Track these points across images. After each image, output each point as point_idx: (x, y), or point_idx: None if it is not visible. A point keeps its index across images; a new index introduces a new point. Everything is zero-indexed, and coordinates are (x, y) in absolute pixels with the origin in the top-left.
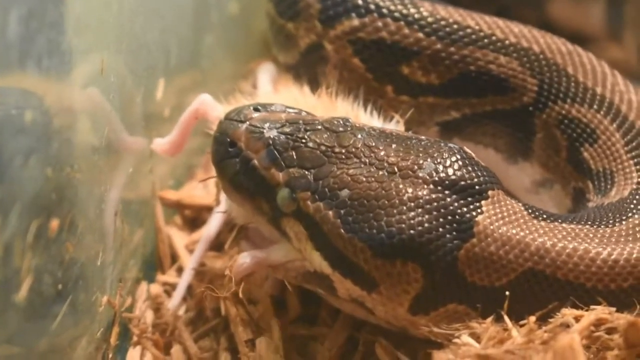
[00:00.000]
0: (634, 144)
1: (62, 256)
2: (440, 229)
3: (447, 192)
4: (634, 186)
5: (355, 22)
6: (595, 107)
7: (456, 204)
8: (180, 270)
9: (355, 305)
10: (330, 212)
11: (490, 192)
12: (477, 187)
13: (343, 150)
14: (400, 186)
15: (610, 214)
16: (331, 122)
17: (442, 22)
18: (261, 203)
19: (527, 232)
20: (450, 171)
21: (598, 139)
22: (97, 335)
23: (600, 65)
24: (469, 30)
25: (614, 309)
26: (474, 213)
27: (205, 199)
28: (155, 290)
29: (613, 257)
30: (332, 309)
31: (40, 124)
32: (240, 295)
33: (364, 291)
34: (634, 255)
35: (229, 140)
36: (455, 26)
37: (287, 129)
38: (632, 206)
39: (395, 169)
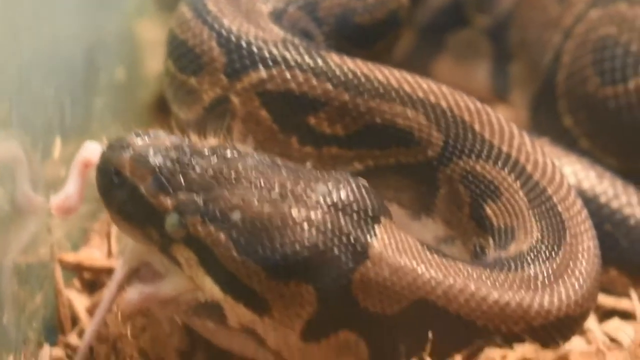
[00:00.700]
0: (536, 201)
1: None
2: (336, 251)
3: (340, 214)
4: (533, 242)
5: (263, 73)
6: (499, 164)
7: (350, 227)
8: (81, 334)
9: (245, 339)
10: (222, 235)
11: (383, 219)
12: (370, 212)
13: (233, 174)
14: (294, 208)
15: (505, 263)
16: (218, 147)
17: (350, 74)
18: (150, 231)
19: (421, 261)
20: (343, 195)
21: (501, 195)
22: None
23: (508, 125)
24: (376, 83)
25: (538, 346)
26: (368, 237)
27: (105, 262)
28: (57, 353)
29: (505, 300)
30: None
31: None
32: (128, 333)
33: (255, 315)
34: (526, 302)
35: (113, 169)
36: (363, 79)
37: (172, 154)
38: (529, 259)
39: (288, 193)
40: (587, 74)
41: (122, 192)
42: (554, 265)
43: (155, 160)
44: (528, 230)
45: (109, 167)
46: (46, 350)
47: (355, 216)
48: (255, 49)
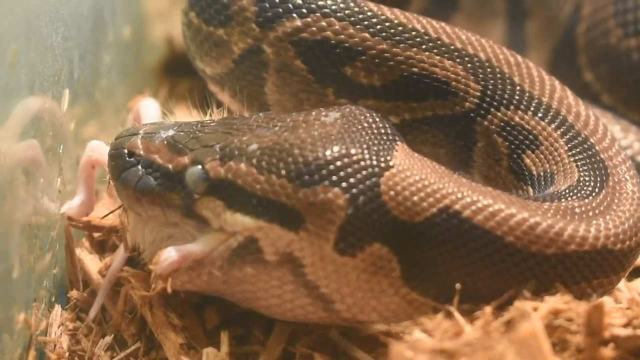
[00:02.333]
0: (577, 149)
1: None
2: (356, 156)
3: (357, 131)
4: (573, 183)
5: (298, 22)
6: (539, 114)
7: (368, 141)
8: (93, 294)
9: (282, 280)
10: (242, 165)
11: (399, 143)
12: (389, 134)
13: (244, 127)
14: (309, 129)
15: (540, 197)
16: (225, 118)
17: (387, 23)
18: (172, 197)
19: (445, 173)
20: (357, 118)
21: (540, 144)
22: (14, 356)
23: (549, 78)
24: (414, 33)
25: (570, 297)
26: (389, 150)
27: (114, 222)
28: (69, 315)
29: (535, 220)
30: (264, 325)
31: None
32: (169, 289)
33: (290, 232)
34: (559, 225)
35: (126, 151)
36: (400, 28)
37: (181, 127)
38: (565, 194)
39: (301, 123)
40: (609, 26)
41: (137, 170)
42: (594, 203)
43: (167, 133)
44: (568, 174)
45: (122, 151)
46: (57, 311)
47: (372, 134)
48: None
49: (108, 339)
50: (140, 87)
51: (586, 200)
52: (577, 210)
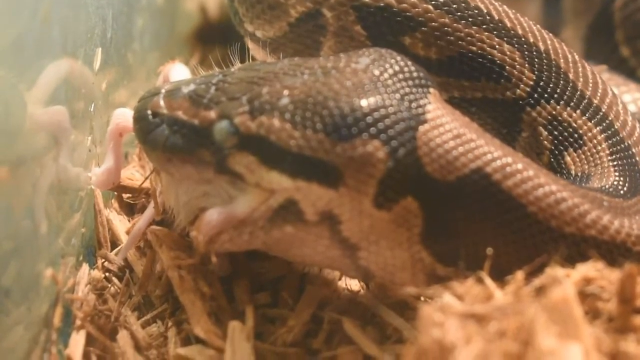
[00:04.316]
0: (618, 154)
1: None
2: (393, 107)
3: (390, 79)
4: (607, 184)
5: None
6: (588, 114)
7: (402, 90)
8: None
9: (321, 237)
10: (275, 121)
11: (432, 89)
12: (422, 79)
13: (270, 75)
14: (341, 78)
15: (574, 181)
16: (246, 64)
17: None
18: (202, 154)
19: (478, 132)
20: (388, 64)
21: (584, 144)
22: (41, 312)
23: (603, 83)
24: (477, 11)
25: (602, 264)
26: (424, 100)
27: (144, 183)
28: (96, 274)
29: (562, 196)
30: (294, 290)
31: None
32: (213, 258)
33: (330, 189)
34: (584, 207)
35: (149, 112)
36: (463, 4)
37: (203, 79)
38: (597, 188)
39: (331, 70)
40: None
41: (163, 129)
42: (624, 204)
43: (188, 88)
44: (604, 176)
45: (145, 113)
46: (85, 269)
47: (405, 81)
48: None
49: (135, 299)
50: (173, 53)
51: (616, 199)
52: (604, 203)
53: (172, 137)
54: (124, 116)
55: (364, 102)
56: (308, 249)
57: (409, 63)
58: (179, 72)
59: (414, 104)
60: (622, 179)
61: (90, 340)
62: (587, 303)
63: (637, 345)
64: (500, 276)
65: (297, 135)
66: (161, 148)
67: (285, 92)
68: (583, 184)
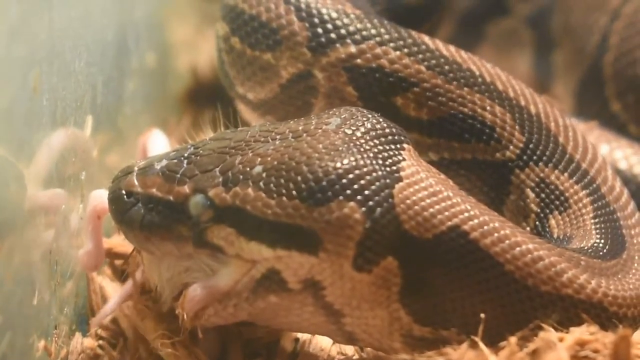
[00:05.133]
0: (602, 218)
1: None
2: (367, 167)
3: (362, 138)
4: (587, 245)
5: (352, 48)
6: (575, 178)
7: (376, 149)
8: (115, 322)
9: (305, 306)
10: (249, 190)
11: (406, 145)
12: (395, 136)
13: (242, 144)
14: (313, 141)
15: (551, 240)
16: (217, 134)
17: (443, 59)
18: (179, 229)
19: (454, 190)
20: (360, 122)
21: (569, 207)
22: None
23: (593, 147)
24: (469, 73)
25: (596, 328)
26: (398, 157)
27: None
28: (89, 342)
29: (539, 254)
30: (286, 354)
31: None
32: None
33: (310, 256)
34: (561, 266)
35: (123, 192)
36: (455, 66)
37: (175, 154)
38: (575, 249)
39: (302, 133)
40: (637, 55)
41: (139, 208)
42: (602, 265)
43: (160, 164)
44: (585, 239)
45: (119, 193)
46: (78, 339)
47: (378, 139)
48: (343, 22)
49: None
50: (164, 115)
51: (595, 260)
52: (582, 262)
53: (148, 215)
54: (101, 198)
55: (337, 164)
56: (293, 317)
57: (381, 120)
58: (157, 140)
59: (388, 162)
60: (603, 241)
61: None
62: None
63: None
64: (475, 334)
65: (272, 203)
66: (138, 227)
67: (258, 160)
68: (563, 245)
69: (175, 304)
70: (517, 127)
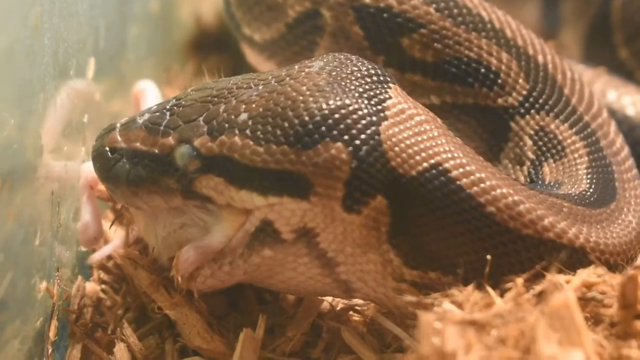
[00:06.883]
0: (596, 169)
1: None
2: (352, 106)
3: (347, 79)
4: (574, 192)
5: None
6: (575, 129)
7: (361, 88)
8: (118, 267)
9: (301, 256)
10: (236, 138)
11: (392, 85)
12: (380, 76)
13: (224, 92)
14: (296, 84)
15: (533, 185)
16: (199, 85)
17: (453, 2)
18: (167, 182)
19: (441, 129)
20: (343, 64)
21: (565, 157)
22: (36, 325)
23: (598, 104)
24: (478, 19)
25: (603, 270)
26: (384, 96)
27: None
28: (93, 287)
29: (516, 198)
30: (291, 299)
31: None
32: (195, 294)
33: (302, 201)
34: (541, 211)
35: (107, 149)
36: (465, 10)
37: (157, 107)
38: (560, 195)
39: (285, 77)
40: None
41: (124, 163)
42: (586, 212)
43: (143, 118)
44: (575, 186)
45: (103, 150)
46: (80, 282)
47: (363, 79)
48: None
49: (131, 313)
50: (167, 62)
51: (579, 207)
52: (564, 209)
53: (134, 170)
54: (92, 169)
55: (322, 105)
56: (289, 271)
57: (366, 62)
58: (149, 91)
59: (373, 100)
60: (592, 189)
61: (86, 354)
62: (588, 309)
63: (639, 351)
64: (458, 276)
65: (260, 150)
66: (125, 183)
67: (242, 107)
68: (551, 190)
69: (170, 265)
70: (522, 74)
